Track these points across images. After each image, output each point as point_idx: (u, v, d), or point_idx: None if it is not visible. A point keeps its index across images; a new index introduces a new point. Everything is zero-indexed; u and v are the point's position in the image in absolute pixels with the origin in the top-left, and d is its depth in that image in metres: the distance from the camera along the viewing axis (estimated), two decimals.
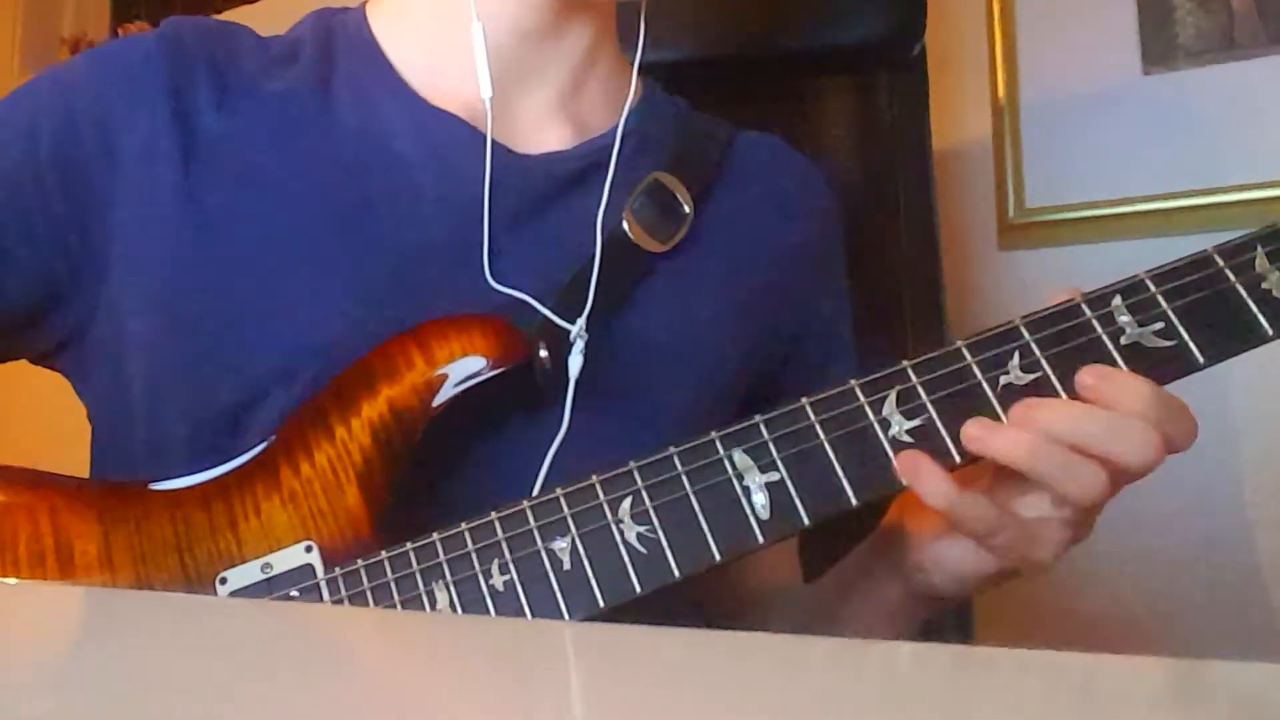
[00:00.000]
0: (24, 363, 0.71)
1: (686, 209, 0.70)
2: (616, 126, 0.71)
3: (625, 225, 0.68)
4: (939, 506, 0.54)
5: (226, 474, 0.60)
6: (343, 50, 0.71)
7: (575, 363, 0.63)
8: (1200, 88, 1.14)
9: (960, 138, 1.24)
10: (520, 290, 0.64)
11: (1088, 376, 0.54)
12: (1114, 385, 0.54)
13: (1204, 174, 1.14)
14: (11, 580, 0.58)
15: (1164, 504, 1.10)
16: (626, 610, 0.55)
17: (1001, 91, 1.23)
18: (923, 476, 0.54)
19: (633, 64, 0.74)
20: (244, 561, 0.58)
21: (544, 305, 0.64)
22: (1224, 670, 0.28)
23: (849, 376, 0.57)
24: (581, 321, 0.63)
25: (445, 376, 0.60)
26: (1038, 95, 1.22)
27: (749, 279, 0.73)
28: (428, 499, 0.61)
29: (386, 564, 0.57)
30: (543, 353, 0.62)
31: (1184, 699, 0.28)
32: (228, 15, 1.53)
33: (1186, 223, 1.14)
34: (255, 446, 0.61)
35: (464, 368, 0.60)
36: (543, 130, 0.70)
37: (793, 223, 0.77)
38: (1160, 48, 1.16)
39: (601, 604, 0.55)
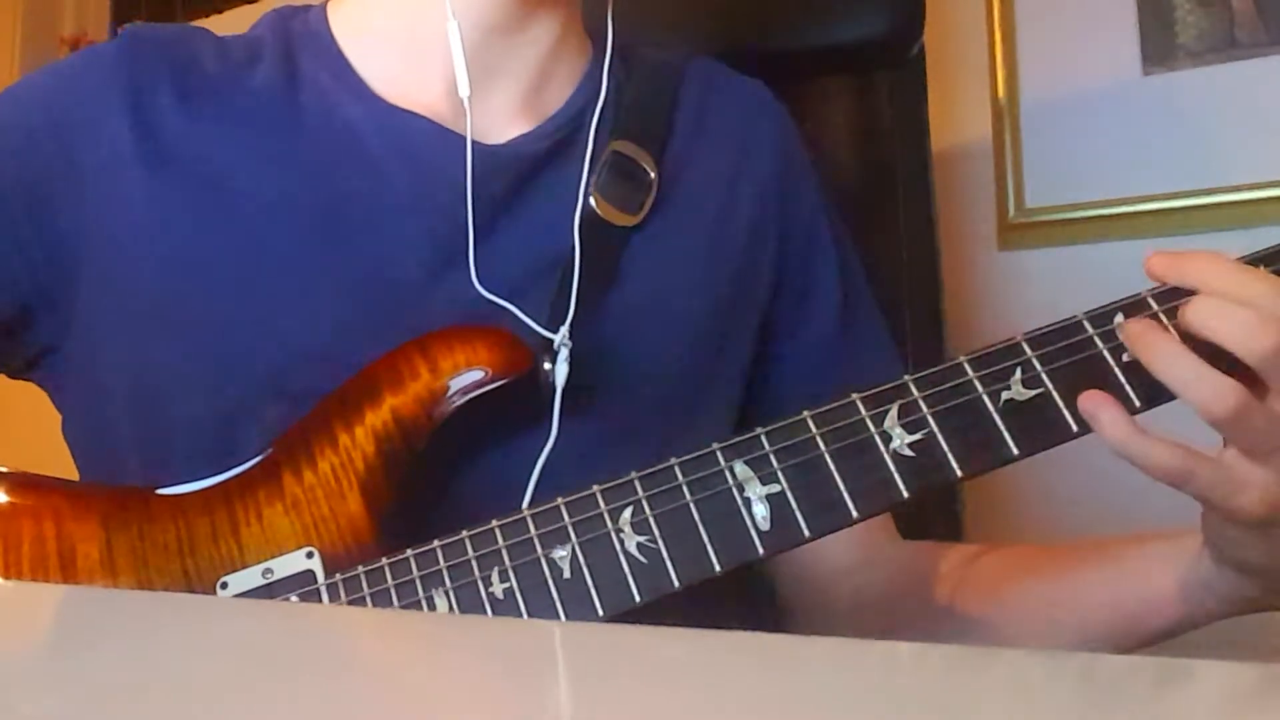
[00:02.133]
0: None
1: (651, 174, 0.70)
2: (569, 105, 0.71)
3: (594, 203, 0.68)
4: (1114, 442, 0.53)
5: (229, 480, 0.60)
6: (303, 51, 0.70)
7: (561, 371, 0.63)
8: (1200, 88, 1.14)
9: (960, 138, 1.24)
10: (504, 288, 0.64)
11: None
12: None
13: (1204, 174, 1.13)
14: (10, 581, 0.58)
15: (1164, 504, 1.10)
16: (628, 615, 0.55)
17: (1001, 91, 1.23)
18: (1102, 411, 0.53)
19: (600, 53, 0.74)
20: (245, 567, 0.58)
21: (527, 309, 0.64)
22: (1223, 669, 0.28)
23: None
24: (564, 330, 0.63)
25: (449, 387, 0.60)
26: (1038, 95, 1.21)
27: (724, 225, 0.73)
28: (427, 507, 0.61)
29: (387, 570, 0.57)
30: (546, 364, 0.62)
31: (1184, 698, 0.28)
32: (227, 16, 1.53)
33: (1187, 223, 1.13)
34: (252, 455, 0.61)
35: (468, 379, 0.60)
36: (509, 124, 0.70)
37: (753, 155, 0.76)
38: (1160, 48, 1.16)
39: (601, 613, 0.55)
